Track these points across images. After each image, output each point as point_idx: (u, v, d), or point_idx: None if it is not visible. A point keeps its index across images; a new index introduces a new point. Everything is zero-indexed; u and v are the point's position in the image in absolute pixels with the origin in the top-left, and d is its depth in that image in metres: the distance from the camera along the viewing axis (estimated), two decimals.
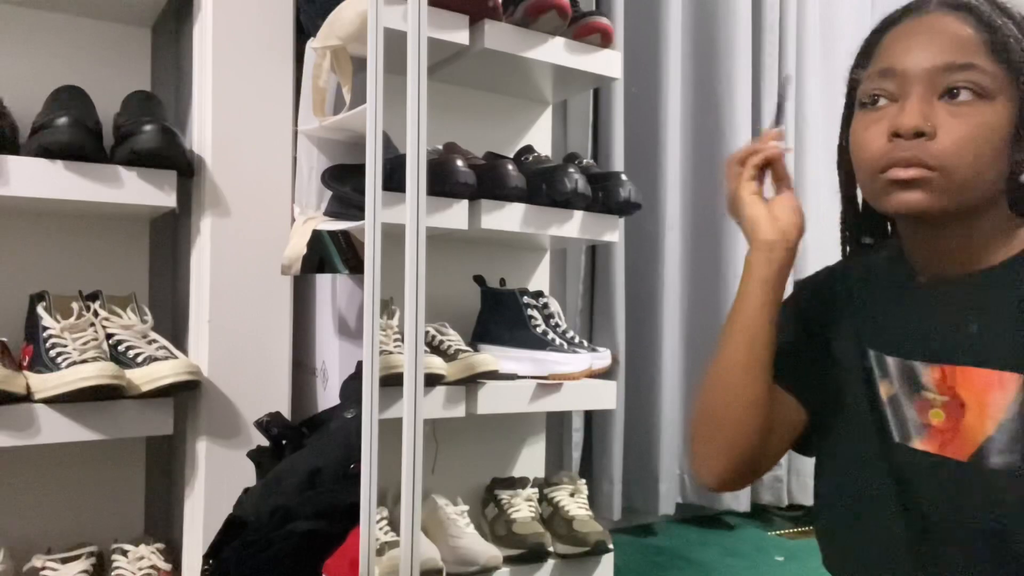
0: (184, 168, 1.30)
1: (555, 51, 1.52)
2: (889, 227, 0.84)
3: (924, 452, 0.72)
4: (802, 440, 0.86)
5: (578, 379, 1.52)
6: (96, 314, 1.27)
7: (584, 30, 1.54)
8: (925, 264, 0.77)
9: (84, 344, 1.20)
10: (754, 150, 0.81)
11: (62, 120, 1.18)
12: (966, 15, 0.71)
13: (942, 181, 0.69)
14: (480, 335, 1.60)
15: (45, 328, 1.21)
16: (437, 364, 1.35)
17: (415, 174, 1.03)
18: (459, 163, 1.38)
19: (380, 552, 1.29)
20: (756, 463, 0.81)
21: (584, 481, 1.65)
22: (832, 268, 0.87)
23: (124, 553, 1.28)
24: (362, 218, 1.03)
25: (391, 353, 1.28)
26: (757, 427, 0.78)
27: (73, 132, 1.18)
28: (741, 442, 0.78)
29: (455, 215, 1.39)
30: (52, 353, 1.18)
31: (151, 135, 1.22)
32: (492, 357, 1.43)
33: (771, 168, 0.81)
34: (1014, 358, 0.67)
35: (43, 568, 1.22)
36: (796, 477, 2.32)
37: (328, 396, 1.41)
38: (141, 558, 1.28)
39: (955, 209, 0.70)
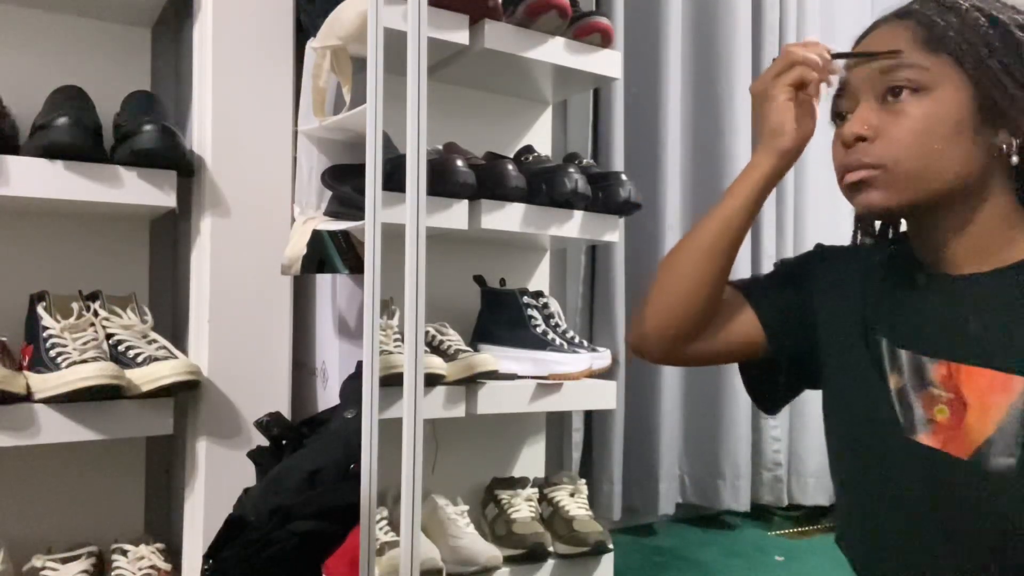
0: (184, 168, 1.30)
1: (555, 51, 1.52)
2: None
3: (928, 447, 0.72)
4: (762, 389, 0.91)
5: (578, 379, 1.52)
6: (96, 314, 1.27)
7: (584, 30, 1.54)
8: (933, 261, 0.77)
9: (84, 344, 1.20)
10: (813, 65, 0.78)
11: (62, 120, 1.18)
12: (907, 20, 0.75)
13: (887, 177, 0.73)
14: (480, 335, 1.60)
15: (45, 328, 1.21)
16: (437, 364, 1.35)
17: (415, 174, 1.03)
18: (459, 163, 1.38)
19: (380, 552, 1.29)
20: (685, 334, 0.84)
21: (584, 481, 1.65)
22: (858, 246, 0.89)
23: (124, 553, 1.28)
24: (362, 218, 1.03)
25: (391, 353, 1.28)
26: (696, 303, 0.83)
27: (73, 132, 1.18)
28: (676, 308, 0.83)
29: (455, 215, 1.39)
30: (52, 353, 1.18)
31: (151, 135, 1.22)
32: (492, 357, 1.43)
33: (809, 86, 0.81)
34: (1020, 361, 0.68)
35: (43, 568, 1.21)
36: (796, 477, 2.32)
37: (328, 396, 1.40)
38: (141, 558, 1.28)
39: (919, 201, 0.73)
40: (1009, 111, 0.71)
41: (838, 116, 0.79)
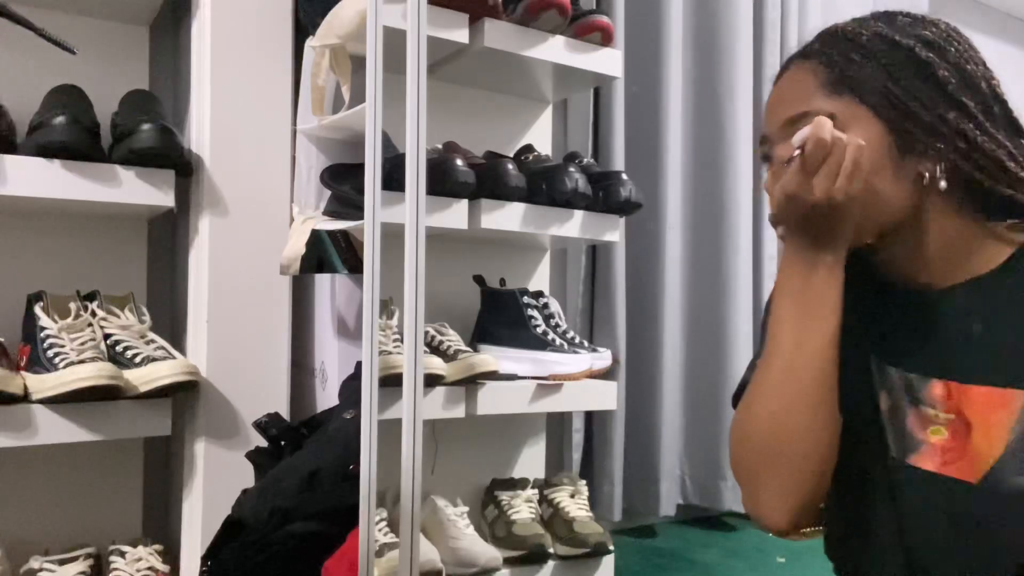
0: (182, 167, 1.29)
1: (555, 50, 1.51)
2: None
3: (923, 470, 0.70)
4: None
5: (578, 379, 1.52)
6: (94, 314, 1.26)
7: (584, 28, 1.54)
8: (905, 278, 0.75)
9: (82, 344, 1.19)
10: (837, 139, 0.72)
11: (60, 119, 1.18)
12: (811, 61, 0.73)
13: None
14: (480, 335, 1.59)
15: (43, 328, 1.20)
16: (437, 364, 1.35)
17: (415, 173, 1.03)
18: (459, 162, 1.37)
19: (379, 553, 1.29)
20: (823, 490, 0.73)
21: (584, 482, 1.64)
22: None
23: (122, 554, 1.27)
24: (361, 218, 1.02)
25: (390, 353, 1.28)
26: (828, 451, 0.71)
27: (71, 131, 1.18)
28: (812, 472, 0.71)
29: (455, 215, 1.39)
30: (50, 353, 1.17)
31: (149, 134, 1.21)
32: (492, 357, 1.42)
33: None
34: (1013, 373, 0.66)
35: (40, 569, 1.21)
36: None
37: (327, 397, 1.40)
38: (139, 559, 1.27)
39: (864, 240, 0.72)
40: (924, 139, 0.68)
41: (766, 159, 0.79)
